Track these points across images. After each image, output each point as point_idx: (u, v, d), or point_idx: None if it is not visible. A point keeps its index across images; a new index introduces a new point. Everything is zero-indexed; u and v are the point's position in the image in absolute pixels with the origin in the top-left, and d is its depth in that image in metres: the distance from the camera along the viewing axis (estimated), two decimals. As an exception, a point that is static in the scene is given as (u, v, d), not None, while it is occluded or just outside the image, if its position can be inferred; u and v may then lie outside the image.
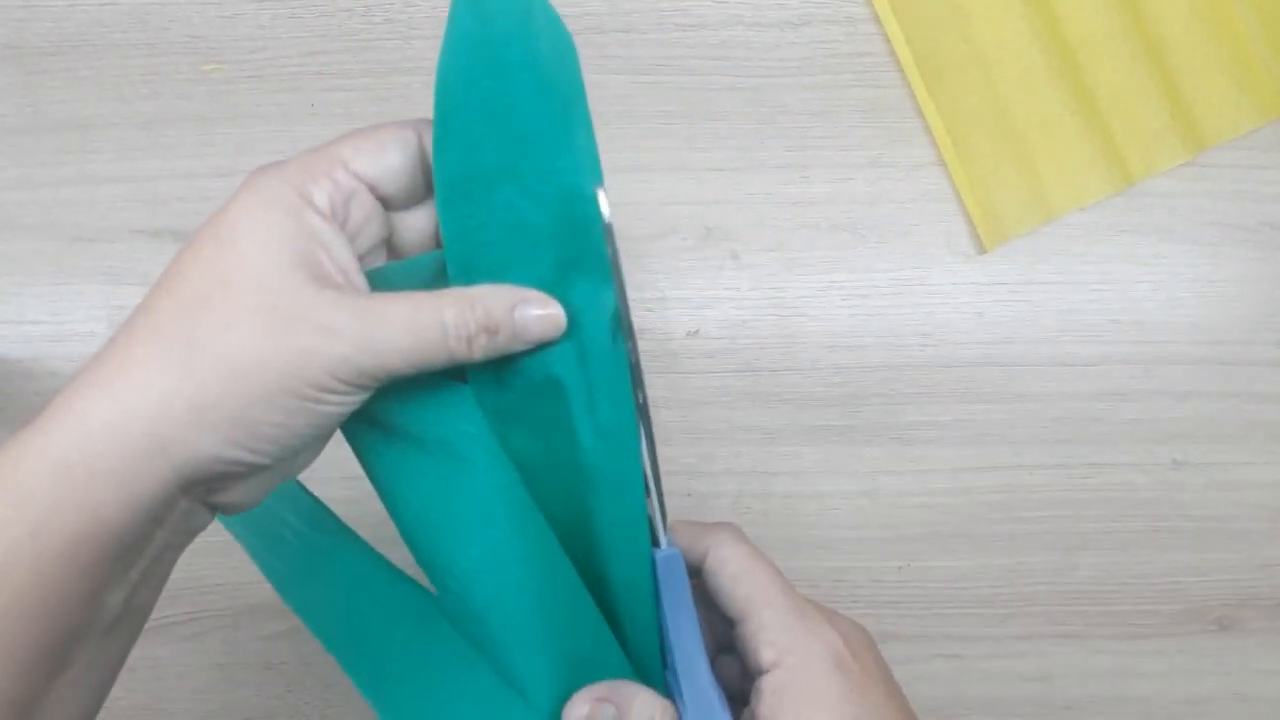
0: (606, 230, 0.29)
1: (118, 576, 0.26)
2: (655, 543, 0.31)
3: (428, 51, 0.51)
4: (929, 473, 0.49)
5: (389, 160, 0.29)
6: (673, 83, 0.51)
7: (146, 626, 0.47)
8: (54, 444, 0.25)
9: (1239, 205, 0.51)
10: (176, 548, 0.28)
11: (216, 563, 0.49)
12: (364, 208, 0.28)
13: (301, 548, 0.34)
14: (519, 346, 0.28)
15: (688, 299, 0.50)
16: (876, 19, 0.51)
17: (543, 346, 0.28)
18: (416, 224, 0.30)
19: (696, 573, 0.32)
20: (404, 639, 0.32)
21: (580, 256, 0.28)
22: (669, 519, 0.32)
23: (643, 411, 0.30)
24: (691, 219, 0.50)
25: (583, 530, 0.30)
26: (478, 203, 0.28)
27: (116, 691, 0.48)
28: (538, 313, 0.28)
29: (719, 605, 0.32)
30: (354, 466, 0.31)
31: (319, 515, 0.35)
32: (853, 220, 0.50)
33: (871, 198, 0.51)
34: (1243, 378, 0.50)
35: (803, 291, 0.50)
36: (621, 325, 0.29)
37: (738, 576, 0.31)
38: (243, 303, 0.25)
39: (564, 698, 0.30)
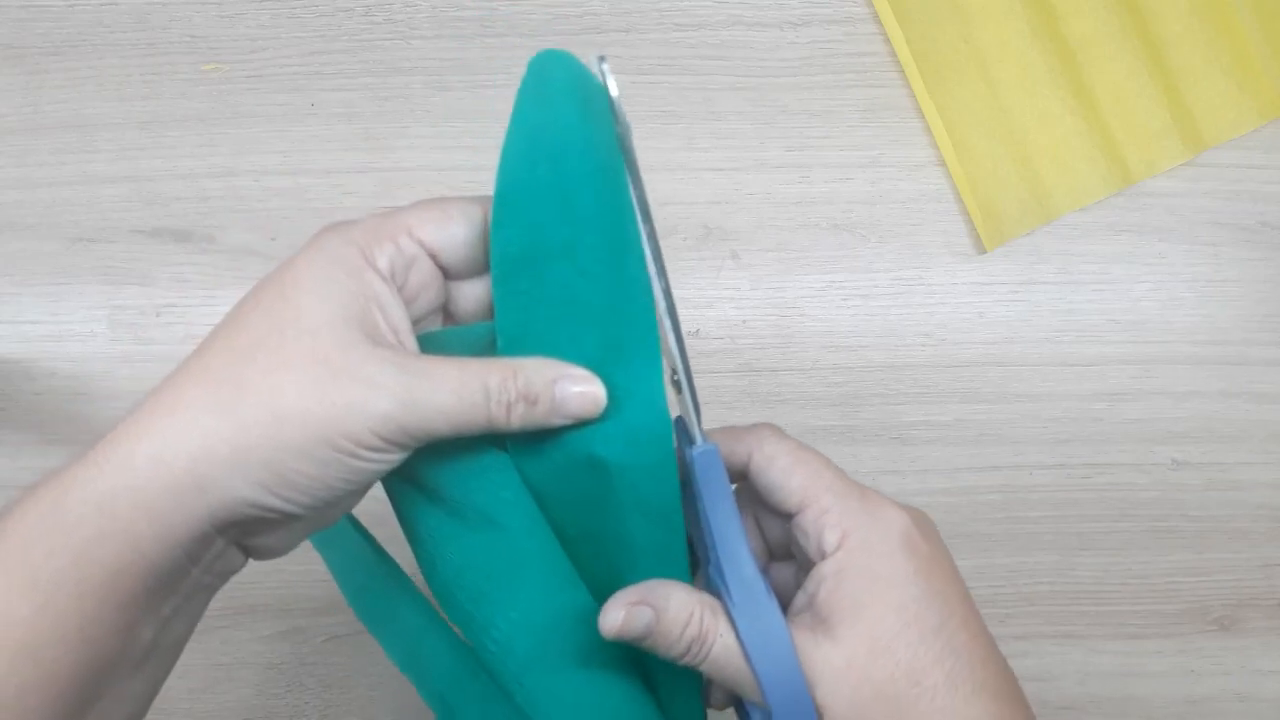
0: (669, 315, 0.29)
1: (152, 611, 0.27)
2: (691, 441, 0.30)
3: (428, 51, 0.51)
4: (929, 473, 0.49)
5: (453, 231, 0.29)
6: (673, 83, 0.51)
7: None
8: (101, 476, 0.25)
9: (1239, 205, 0.51)
10: (210, 588, 0.28)
11: (216, 563, 0.49)
12: (423, 274, 0.29)
13: (363, 565, 0.35)
14: (558, 420, 0.29)
15: (688, 299, 0.50)
16: (876, 19, 0.51)
17: (585, 424, 0.29)
18: (474, 294, 0.31)
19: (740, 476, 0.32)
20: (462, 682, 0.32)
21: (629, 338, 0.29)
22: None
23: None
24: (691, 219, 0.50)
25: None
26: (531, 279, 0.29)
27: (116, 691, 0.48)
28: (578, 390, 0.29)
29: (772, 503, 0.31)
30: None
31: (376, 548, 0.35)
32: (853, 220, 0.50)
33: (871, 198, 0.50)
34: (1243, 378, 0.50)
35: (803, 291, 0.50)
36: (687, 420, 0.30)
37: (789, 468, 0.31)
38: (294, 352, 0.26)
39: None
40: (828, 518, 0.30)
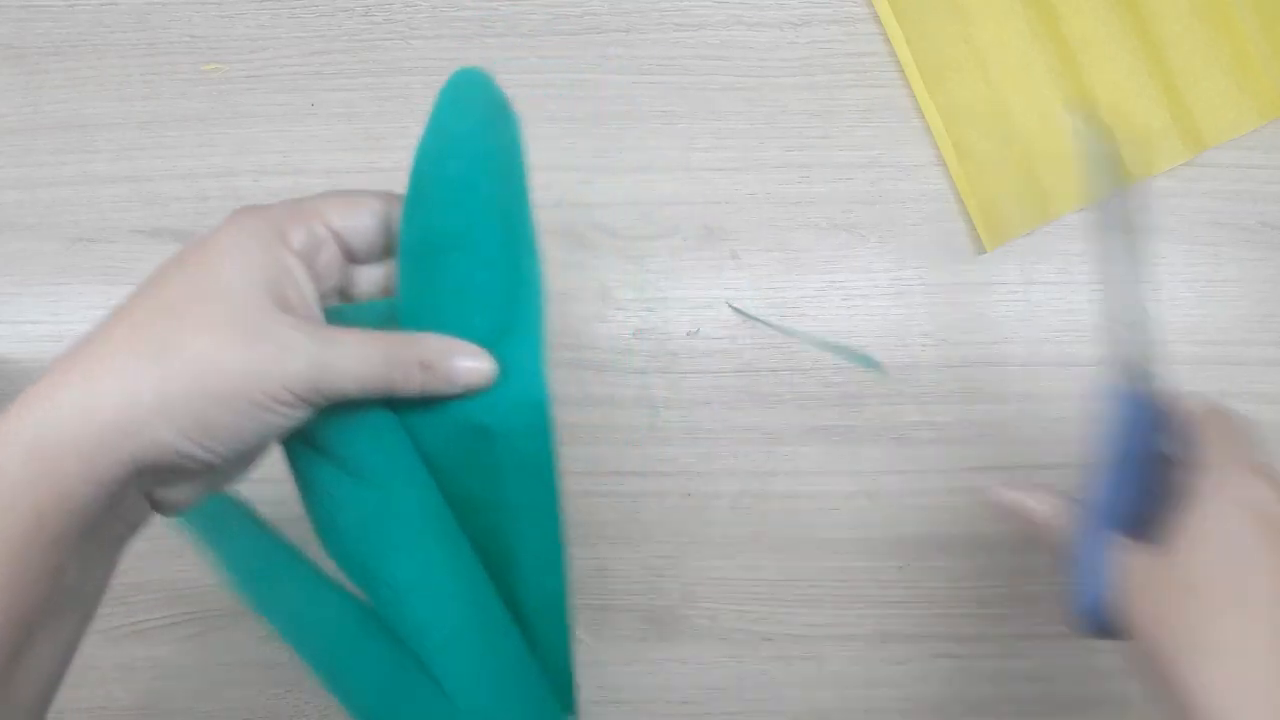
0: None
1: (76, 554, 0.28)
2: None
3: (427, 51, 0.51)
4: (929, 473, 0.49)
5: (360, 220, 0.33)
6: (673, 83, 0.51)
7: (147, 626, 0.48)
8: (26, 424, 0.27)
9: (1239, 205, 0.51)
10: (121, 538, 0.30)
11: (216, 563, 0.49)
12: (330, 256, 0.33)
13: (251, 549, 0.37)
14: (450, 389, 0.32)
15: (688, 299, 0.50)
16: (876, 19, 0.51)
17: (475, 395, 0.33)
18: (371, 277, 0.35)
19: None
20: (348, 635, 0.35)
21: (517, 319, 0.33)
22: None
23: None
24: (691, 219, 0.50)
25: (503, 554, 0.34)
26: (433, 264, 0.33)
27: (117, 691, 0.48)
28: (469, 364, 0.32)
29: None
30: (276, 469, 0.33)
31: (262, 525, 0.38)
32: (853, 220, 0.50)
33: (871, 198, 0.50)
34: (1243, 378, 0.50)
35: (803, 291, 0.50)
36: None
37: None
38: (216, 314, 0.29)
39: (484, 693, 0.34)
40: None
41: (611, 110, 0.51)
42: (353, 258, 0.34)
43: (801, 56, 0.51)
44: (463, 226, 0.33)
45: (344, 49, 0.51)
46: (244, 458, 0.31)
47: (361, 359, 0.30)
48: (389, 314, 0.34)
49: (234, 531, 0.37)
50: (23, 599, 0.27)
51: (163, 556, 0.48)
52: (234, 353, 0.28)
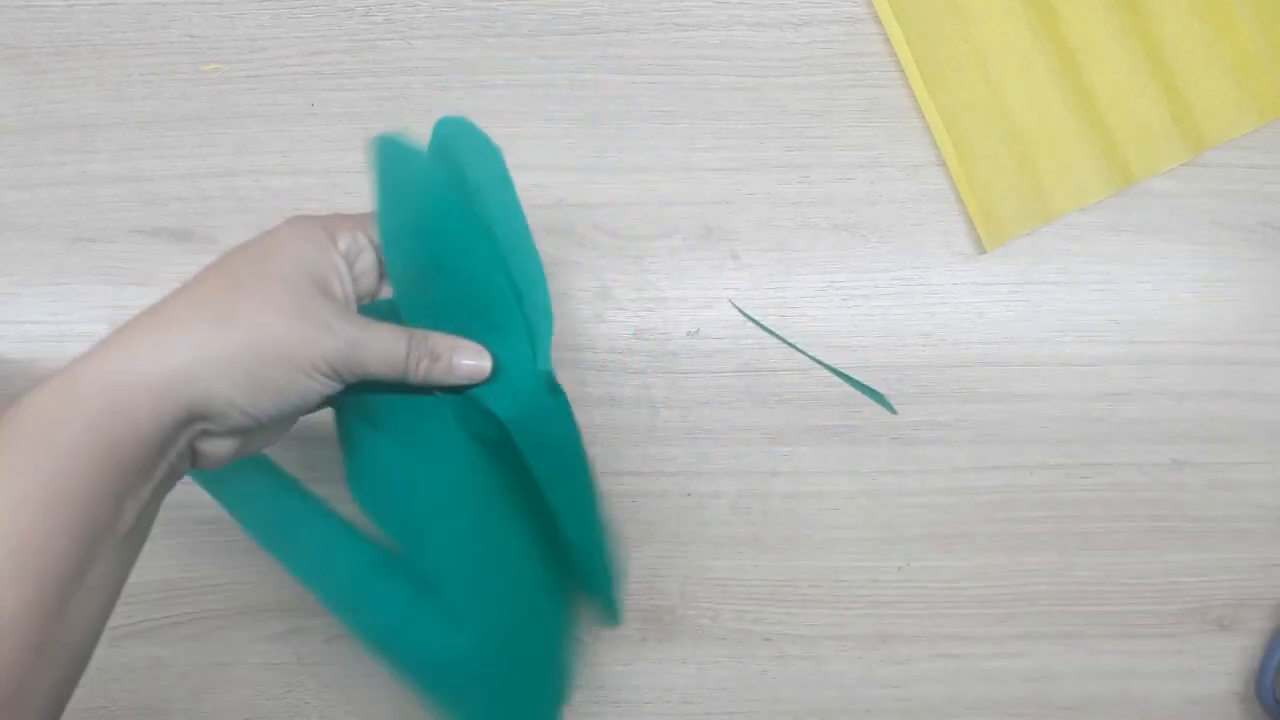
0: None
1: (137, 488, 0.32)
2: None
3: (428, 51, 0.51)
4: (929, 473, 0.49)
5: None
6: (673, 83, 0.51)
7: (146, 627, 0.48)
8: (108, 363, 0.31)
9: (1239, 205, 0.51)
10: (166, 484, 0.34)
11: (216, 563, 0.49)
12: (366, 263, 0.38)
13: (275, 502, 0.42)
14: (452, 380, 0.38)
15: (688, 299, 0.50)
16: (876, 19, 0.51)
17: (479, 387, 0.38)
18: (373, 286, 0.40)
19: None
20: (364, 573, 0.40)
21: (502, 323, 0.38)
22: None
23: None
24: (691, 219, 0.50)
25: (546, 509, 0.40)
26: (421, 288, 0.39)
27: (117, 691, 0.48)
28: (469, 361, 0.38)
29: None
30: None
31: (283, 477, 0.42)
32: (853, 220, 0.50)
33: (871, 198, 0.51)
34: (1243, 378, 0.50)
35: (803, 291, 0.50)
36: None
37: None
38: (274, 293, 0.34)
39: (493, 626, 0.39)
40: None
41: (611, 110, 0.51)
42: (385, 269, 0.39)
43: (801, 56, 0.51)
44: (432, 257, 0.38)
45: (344, 49, 0.51)
46: (278, 421, 0.35)
47: (386, 346, 0.36)
48: (393, 311, 0.39)
49: (256, 482, 0.42)
50: (92, 521, 0.30)
51: (163, 556, 0.48)
52: (284, 324, 0.33)
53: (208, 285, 0.34)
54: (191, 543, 0.49)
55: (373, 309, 0.39)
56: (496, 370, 0.38)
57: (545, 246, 0.50)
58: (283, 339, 0.33)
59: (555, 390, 0.39)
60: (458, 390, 0.38)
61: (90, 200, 0.51)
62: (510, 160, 0.51)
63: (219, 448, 0.35)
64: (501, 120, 0.51)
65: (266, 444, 0.38)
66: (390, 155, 0.40)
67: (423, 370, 0.37)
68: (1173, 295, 0.50)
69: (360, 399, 0.37)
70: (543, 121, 0.51)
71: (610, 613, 0.44)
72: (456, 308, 0.39)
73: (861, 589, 0.49)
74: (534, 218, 0.50)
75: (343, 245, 0.37)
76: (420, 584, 0.39)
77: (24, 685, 0.29)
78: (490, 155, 0.40)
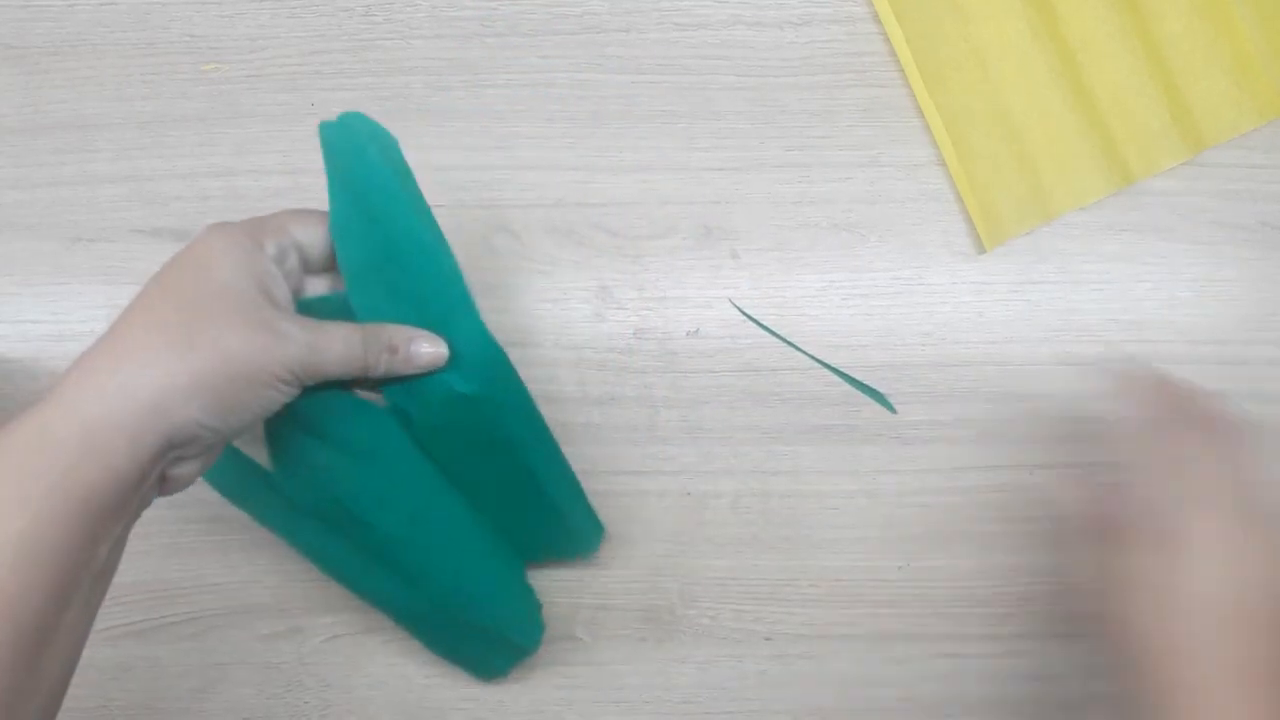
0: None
1: (110, 528, 0.32)
2: None
3: (427, 51, 0.51)
4: (929, 473, 0.49)
5: (315, 233, 0.39)
6: (673, 83, 0.51)
7: (146, 627, 0.48)
8: (80, 405, 0.31)
9: (1239, 205, 0.51)
10: (135, 516, 0.34)
11: (217, 562, 0.49)
12: (292, 263, 0.39)
13: (244, 482, 0.44)
14: (412, 370, 0.39)
15: (688, 299, 0.50)
16: (876, 18, 0.51)
17: (442, 370, 0.40)
18: (320, 286, 0.41)
19: None
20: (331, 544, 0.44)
21: (455, 307, 0.40)
22: None
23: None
24: (691, 219, 0.50)
25: (516, 466, 0.43)
26: (374, 279, 0.40)
27: (116, 692, 0.48)
28: (427, 349, 0.39)
29: None
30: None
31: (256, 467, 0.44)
32: (853, 220, 0.50)
33: (871, 197, 0.51)
34: (1243, 378, 0.50)
35: (803, 291, 0.50)
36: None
37: None
38: (226, 308, 0.34)
39: (447, 589, 0.43)
40: None
41: (611, 110, 0.51)
42: (308, 267, 0.40)
43: (801, 56, 0.51)
44: (384, 249, 0.40)
45: (344, 49, 0.51)
46: (243, 430, 0.36)
47: (344, 345, 0.37)
48: (344, 305, 0.40)
49: (232, 471, 0.43)
50: (68, 569, 0.31)
51: (162, 556, 0.48)
52: (242, 340, 0.34)
53: (159, 310, 0.34)
54: (191, 543, 0.49)
55: (318, 304, 0.40)
56: (455, 353, 0.40)
57: (545, 245, 0.50)
58: (244, 356, 0.34)
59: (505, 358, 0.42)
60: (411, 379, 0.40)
61: (90, 200, 0.51)
62: (510, 160, 0.51)
63: (187, 470, 0.35)
64: (501, 120, 0.51)
65: (220, 450, 0.38)
66: (339, 142, 0.41)
67: (383, 364, 0.38)
68: (1172, 295, 0.50)
69: (291, 405, 0.37)
70: (543, 121, 0.51)
71: (596, 531, 0.48)
72: (410, 291, 0.40)
73: (861, 589, 0.49)
74: (534, 217, 0.50)
75: (270, 249, 0.37)
76: (376, 555, 0.43)
77: None
78: (389, 146, 0.41)
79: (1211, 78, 0.51)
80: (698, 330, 0.50)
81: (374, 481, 0.41)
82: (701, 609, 0.49)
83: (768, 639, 0.49)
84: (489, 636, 0.46)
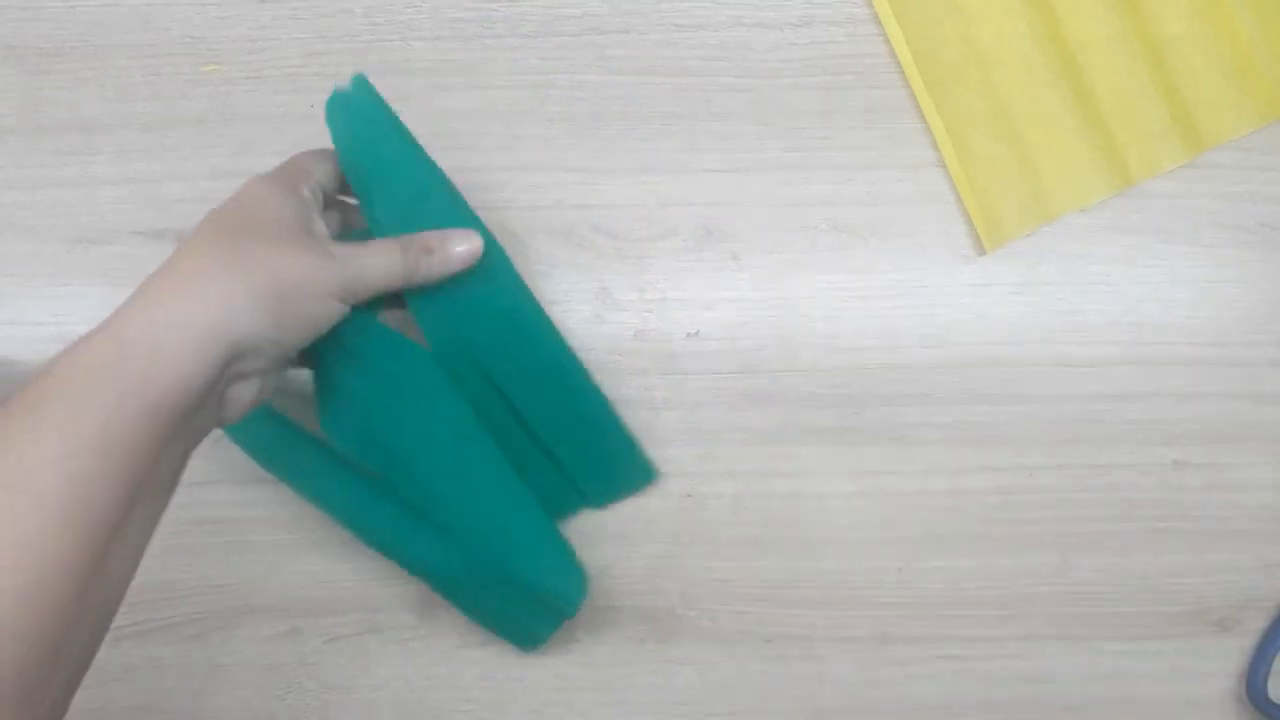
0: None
1: (176, 440, 0.34)
2: None
3: (427, 52, 0.51)
4: (929, 473, 0.49)
5: (329, 170, 0.43)
6: (673, 83, 0.51)
7: (147, 627, 0.48)
8: (147, 314, 0.33)
9: (1239, 206, 0.51)
10: (196, 438, 0.36)
11: (217, 562, 0.49)
12: (319, 201, 0.42)
13: (280, 442, 0.46)
14: (453, 267, 0.41)
15: (688, 300, 0.50)
16: (876, 20, 0.51)
17: (482, 280, 0.43)
18: (331, 221, 0.43)
19: None
20: (362, 497, 0.45)
21: (467, 219, 0.44)
22: None
23: None
24: (691, 219, 0.50)
25: (557, 387, 0.46)
26: (406, 220, 0.42)
27: (117, 692, 0.48)
28: (462, 247, 0.41)
29: None
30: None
31: (294, 428, 0.47)
32: (853, 221, 0.50)
33: (871, 198, 0.51)
34: (1243, 378, 0.50)
35: (803, 292, 0.50)
36: None
37: None
38: (275, 235, 0.37)
39: (483, 547, 0.44)
40: None
41: (612, 111, 0.51)
42: (326, 203, 0.42)
43: (802, 57, 0.51)
44: (412, 190, 0.43)
45: (344, 50, 0.51)
46: (296, 347, 0.38)
47: (384, 258, 0.40)
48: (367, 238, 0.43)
49: (263, 431, 0.46)
50: (137, 471, 0.32)
51: (163, 556, 0.48)
52: (294, 261, 0.36)
53: (210, 243, 0.36)
54: (191, 543, 0.49)
55: (351, 238, 0.43)
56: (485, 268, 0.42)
57: (545, 247, 0.50)
58: (296, 273, 0.36)
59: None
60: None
61: (91, 201, 0.51)
62: (510, 161, 0.51)
63: (246, 393, 0.37)
64: (501, 120, 0.51)
65: (279, 381, 0.40)
66: (345, 112, 0.44)
67: (423, 267, 0.41)
68: (1173, 296, 0.50)
69: (340, 344, 0.40)
70: (543, 121, 0.51)
71: (645, 470, 0.49)
72: (433, 216, 0.43)
73: (861, 589, 0.49)
74: (534, 218, 0.50)
75: (305, 191, 0.40)
76: (411, 509, 0.44)
77: (66, 635, 0.30)
78: (385, 107, 0.44)
79: (1211, 79, 0.51)
80: (698, 332, 0.50)
81: (412, 416, 0.43)
82: (702, 610, 0.49)
83: (768, 640, 0.49)
84: (527, 597, 0.45)
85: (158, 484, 0.34)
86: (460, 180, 0.51)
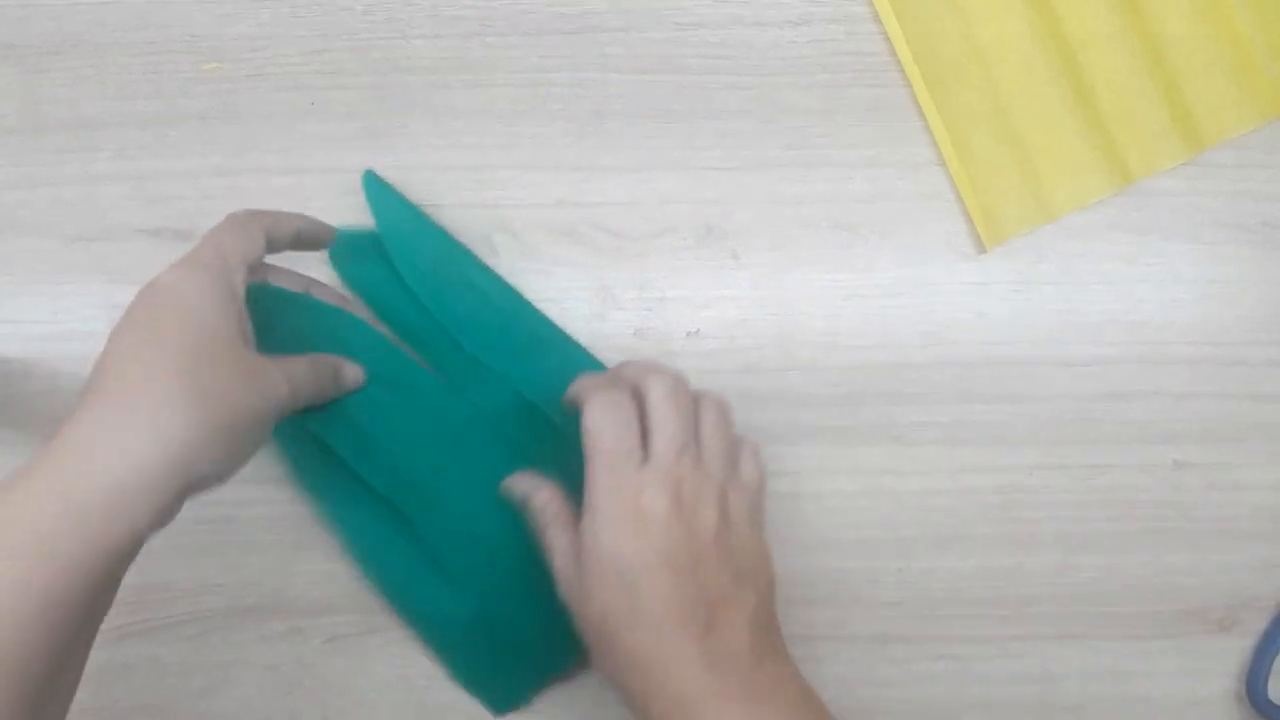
0: None
1: (122, 574, 0.33)
2: None
3: (428, 51, 0.51)
4: (929, 473, 0.49)
5: (255, 246, 0.40)
6: (673, 82, 0.51)
7: (146, 627, 0.48)
8: (103, 462, 0.31)
9: (1239, 205, 0.51)
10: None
11: (216, 563, 0.49)
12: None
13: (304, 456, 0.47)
14: (345, 390, 0.42)
15: (687, 299, 0.50)
16: (876, 18, 0.51)
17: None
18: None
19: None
20: (382, 536, 0.46)
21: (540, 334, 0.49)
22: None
23: None
24: (691, 218, 0.50)
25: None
26: (454, 300, 0.47)
27: (117, 692, 0.48)
28: (350, 375, 0.42)
29: None
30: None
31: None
32: (853, 220, 0.50)
33: (871, 197, 0.50)
34: (1243, 378, 0.50)
35: (803, 291, 0.50)
36: None
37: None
38: (227, 356, 0.35)
39: (491, 597, 0.44)
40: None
41: (612, 110, 0.51)
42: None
43: (801, 56, 0.51)
44: (456, 271, 0.48)
45: (344, 48, 0.51)
46: (236, 472, 0.37)
47: (308, 376, 0.39)
48: (372, 239, 0.48)
49: (299, 445, 0.46)
50: (85, 618, 0.31)
51: (163, 556, 0.48)
52: (246, 390, 0.35)
53: (157, 359, 0.34)
54: (191, 543, 0.49)
55: (357, 236, 0.47)
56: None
57: (545, 245, 0.50)
58: (248, 404, 0.35)
59: None
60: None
61: (91, 200, 0.51)
62: (510, 160, 0.51)
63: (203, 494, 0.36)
64: (502, 119, 0.51)
65: None
66: (382, 200, 0.48)
67: (331, 387, 0.41)
68: (1173, 295, 0.50)
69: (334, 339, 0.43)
70: (543, 121, 0.51)
71: None
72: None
73: (861, 589, 0.49)
74: (534, 217, 0.50)
75: (239, 285, 0.37)
76: (425, 548, 0.44)
77: None
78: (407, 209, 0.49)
79: (1211, 78, 0.51)
80: (698, 331, 0.50)
81: (404, 418, 0.44)
82: (701, 609, 0.49)
83: (768, 639, 0.49)
84: (522, 652, 0.45)
85: (100, 617, 0.34)
86: (460, 179, 0.51)
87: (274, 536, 0.49)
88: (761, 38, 0.51)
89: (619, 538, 0.37)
